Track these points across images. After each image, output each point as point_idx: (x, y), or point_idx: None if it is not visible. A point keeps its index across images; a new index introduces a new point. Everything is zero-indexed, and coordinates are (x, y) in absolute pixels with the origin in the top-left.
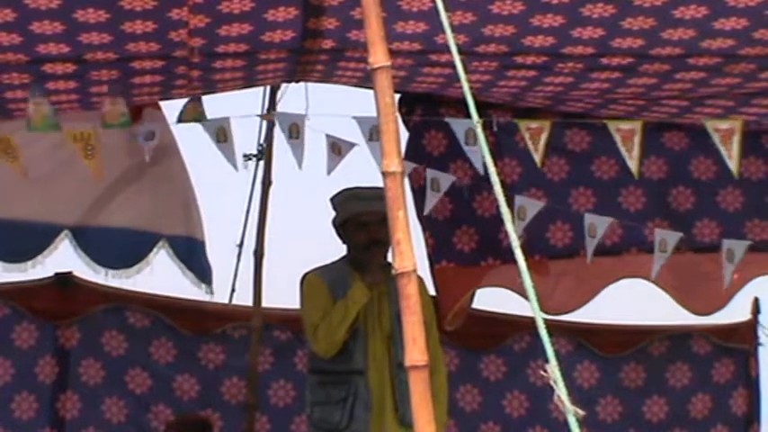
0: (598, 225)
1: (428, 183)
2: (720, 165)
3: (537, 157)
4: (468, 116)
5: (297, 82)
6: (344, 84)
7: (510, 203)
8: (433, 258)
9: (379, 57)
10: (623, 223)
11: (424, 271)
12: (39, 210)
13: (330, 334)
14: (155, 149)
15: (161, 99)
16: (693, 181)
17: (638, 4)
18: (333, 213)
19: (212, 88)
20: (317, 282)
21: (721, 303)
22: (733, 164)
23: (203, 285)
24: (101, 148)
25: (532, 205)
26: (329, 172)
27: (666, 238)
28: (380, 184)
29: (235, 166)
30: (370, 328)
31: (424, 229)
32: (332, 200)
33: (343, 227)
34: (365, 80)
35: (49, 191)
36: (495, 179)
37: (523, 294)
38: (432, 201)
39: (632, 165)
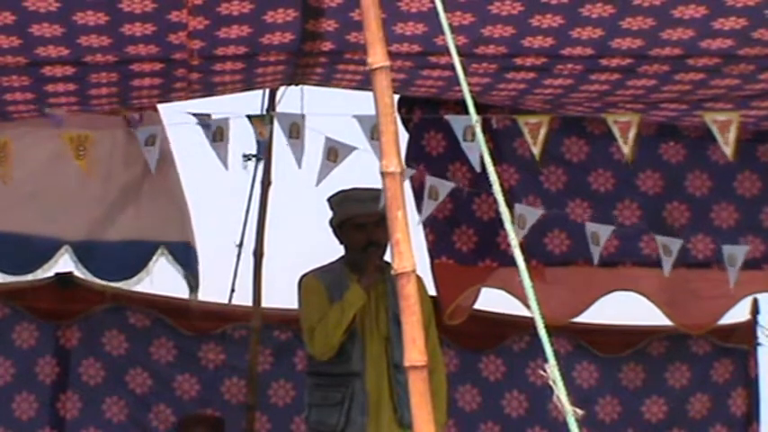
0: (601, 233)
1: (426, 190)
2: (716, 180)
3: (536, 150)
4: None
5: (296, 85)
6: (344, 87)
7: (510, 211)
8: (433, 253)
9: (378, 57)
10: (621, 233)
11: (424, 267)
12: (40, 224)
13: (326, 336)
14: (157, 155)
15: (160, 102)
16: (688, 196)
17: (638, 3)
18: (331, 214)
19: (211, 91)
20: (314, 283)
21: (711, 321)
22: (729, 150)
23: (192, 293)
24: (98, 158)
25: (532, 213)
26: (318, 182)
27: (668, 244)
28: (378, 185)
29: (225, 165)
30: (367, 329)
31: (425, 225)
32: (329, 200)
33: (339, 228)
34: (364, 83)
35: (49, 204)
36: (493, 177)
37: (521, 298)
38: (428, 209)
39: (626, 149)
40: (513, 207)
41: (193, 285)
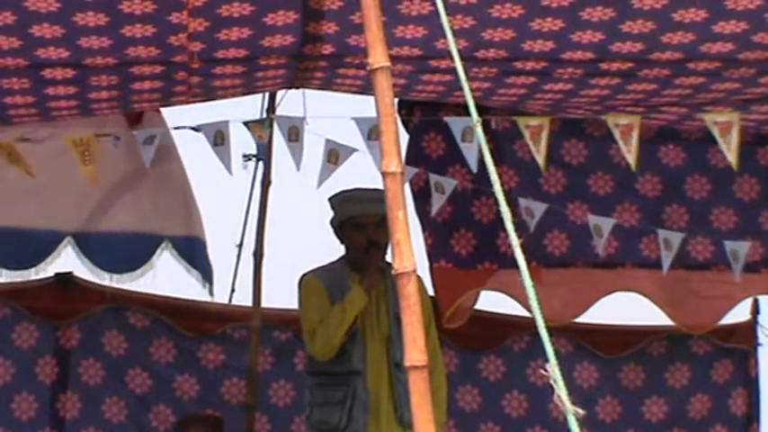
0: (604, 226)
1: (432, 185)
2: (715, 183)
3: (540, 160)
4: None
5: (297, 88)
6: (344, 91)
7: (513, 207)
8: (432, 257)
9: (378, 57)
10: (622, 232)
11: (424, 270)
12: (41, 217)
13: (327, 337)
14: (154, 152)
15: (161, 106)
16: (688, 199)
17: (638, 7)
18: (332, 213)
19: (212, 95)
20: (315, 283)
21: (712, 321)
22: (732, 156)
23: (206, 284)
24: (100, 153)
25: (538, 207)
26: (320, 184)
27: (670, 238)
28: (378, 186)
29: (229, 170)
30: (368, 328)
31: (424, 229)
32: (330, 200)
33: (340, 228)
34: (365, 88)
35: (50, 198)
36: (494, 177)
37: (520, 300)
38: (438, 203)
39: (630, 158)
40: (515, 208)
41: (205, 279)
